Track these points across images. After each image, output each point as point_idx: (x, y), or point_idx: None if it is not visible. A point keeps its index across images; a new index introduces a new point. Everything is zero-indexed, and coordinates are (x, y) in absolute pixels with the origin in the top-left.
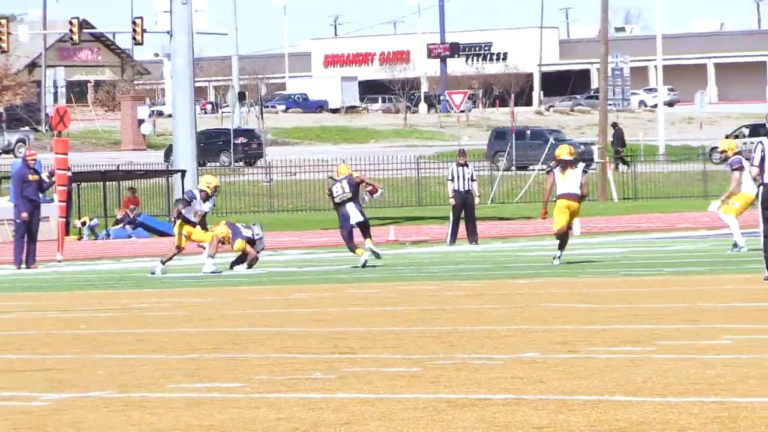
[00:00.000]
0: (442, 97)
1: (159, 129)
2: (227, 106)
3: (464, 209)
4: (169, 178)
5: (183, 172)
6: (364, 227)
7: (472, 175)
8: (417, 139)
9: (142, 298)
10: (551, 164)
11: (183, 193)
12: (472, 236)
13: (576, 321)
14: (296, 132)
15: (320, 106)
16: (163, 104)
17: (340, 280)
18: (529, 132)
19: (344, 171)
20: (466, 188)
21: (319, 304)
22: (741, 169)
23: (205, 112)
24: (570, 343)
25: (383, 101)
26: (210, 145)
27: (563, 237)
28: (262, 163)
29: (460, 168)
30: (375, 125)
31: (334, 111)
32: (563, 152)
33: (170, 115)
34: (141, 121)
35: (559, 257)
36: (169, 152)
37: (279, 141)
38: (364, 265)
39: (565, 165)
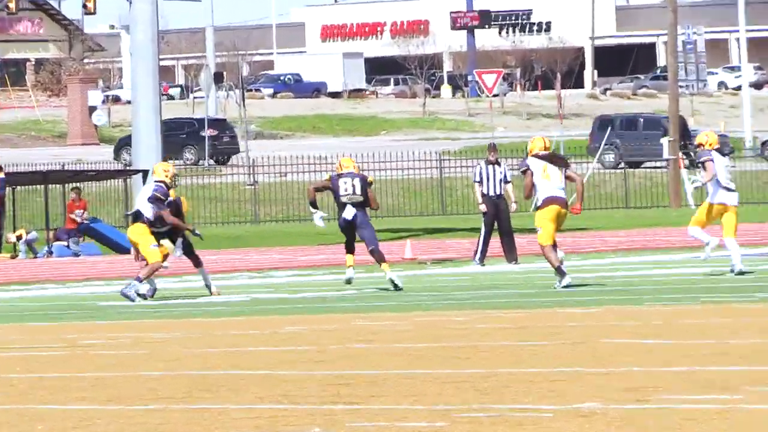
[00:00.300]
0: (470, 78)
1: (115, 118)
2: (200, 89)
3: (497, 219)
4: (128, 180)
5: (145, 173)
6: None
7: (505, 176)
8: (439, 130)
9: (94, 332)
10: (524, 162)
11: (149, 191)
12: (510, 254)
13: (645, 361)
14: (287, 122)
15: (317, 90)
16: (121, 87)
17: (343, 309)
18: (641, 120)
19: (349, 164)
20: (498, 192)
21: (317, 341)
22: (711, 161)
23: (169, 98)
24: (638, 390)
25: (396, 83)
26: (171, 138)
27: (552, 252)
28: (237, 160)
29: (491, 167)
30: (386, 113)
31: (335, 95)
32: (536, 146)
33: (129, 102)
34: (93, 109)
35: (560, 281)
36: (120, 147)
37: (265, 133)
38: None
39: (551, 160)
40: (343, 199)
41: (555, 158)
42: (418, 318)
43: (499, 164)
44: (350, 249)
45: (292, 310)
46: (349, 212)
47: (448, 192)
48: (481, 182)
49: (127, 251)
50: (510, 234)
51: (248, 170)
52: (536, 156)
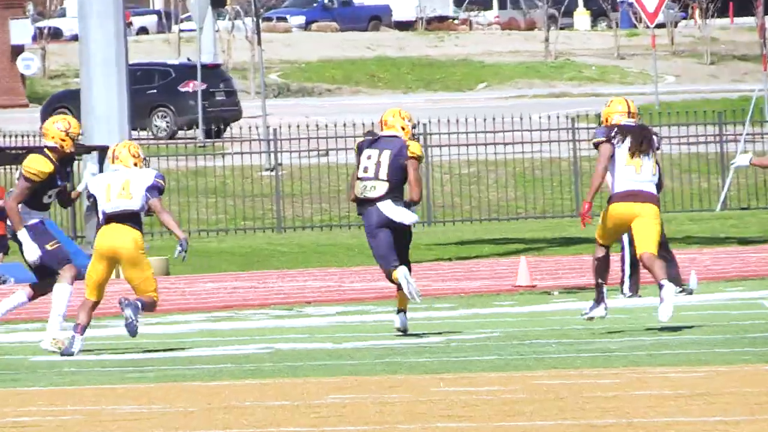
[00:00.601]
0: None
1: (54, 64)
2: (188, 18)
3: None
4: (76, 161)
5: (102, 151)
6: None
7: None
8: (571, 81)
9: (27, 404)
10: (601, 131)
11: (148, 178)
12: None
13: None
14: (328, 69)
15: (376, 18)
16: (62, 15)
17: (415, 366)
18: None
19: (394, 120)
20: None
21: (378, 418)
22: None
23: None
24: None
25: (501, 6)
26: (133, 96)
27: (601, 266)
28: (243, 130)
29: None
30: (486, 54)
31: (404, 26)
32: (616, 108)
33: (75, 38)
34: (18, 50)
35: (592, 310)
36: (52, 108)
37: (294, 88)
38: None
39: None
40: (358, 189)
41: (645, 136)
42: (534, 380)
43: None
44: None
45: (337, 368)
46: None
47: (586, 180)
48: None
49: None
50: (666, 246)
51: (267, 146)
52: (620, 127)
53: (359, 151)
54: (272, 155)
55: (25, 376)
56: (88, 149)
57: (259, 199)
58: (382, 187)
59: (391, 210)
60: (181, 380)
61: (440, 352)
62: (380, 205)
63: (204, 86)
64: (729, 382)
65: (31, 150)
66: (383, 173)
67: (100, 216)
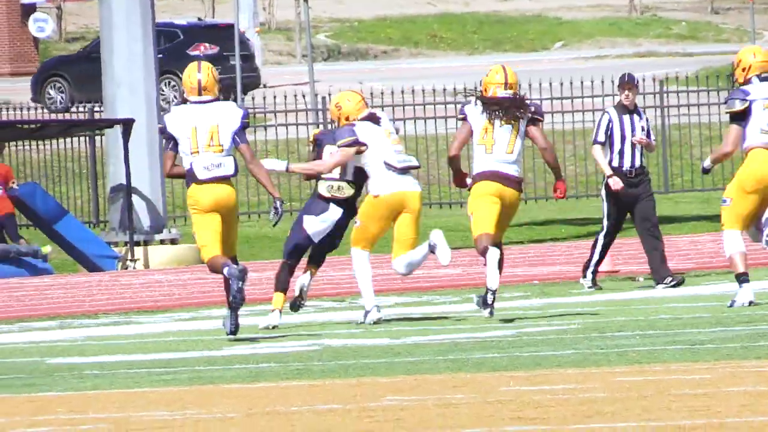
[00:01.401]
0: None
1: (72, 26)
2: None
3: (633, 207)
4: (99, 138)
5: (127, 124)
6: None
7: (648, 132)
8: (657, 39)
9: (43, 412)
10: (463, 109)
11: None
12: (659, 268)
13: None
14: (383, 28)
15: None
16: None
17: (482, 362)
18: None
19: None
20: (635, 164)
21: (441, 421)
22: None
23: None
24: None
25: None
26: None
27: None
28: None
29: (626, 118)
30: (562, 9)
31: None
32: (494, 78)
33: None
34: (30, 10)
35: (487, 305)
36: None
37: (345, 49)
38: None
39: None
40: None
41: (515, 105)
42: (615, 376)
43: (638, 113)
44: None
45: (395, 366)
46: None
47: (675, 151)
48: (604, 143)
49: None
50: (657, 232)
51: (315, 117)
52: (485, 100)
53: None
54: (321, 127)
55: (40, 381)
56: (111, 123)
57: (293, 177)
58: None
59: None
60: (218, 382)
61: (510, 347)
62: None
63: (213, 50)
64: None
65: (48, 124)
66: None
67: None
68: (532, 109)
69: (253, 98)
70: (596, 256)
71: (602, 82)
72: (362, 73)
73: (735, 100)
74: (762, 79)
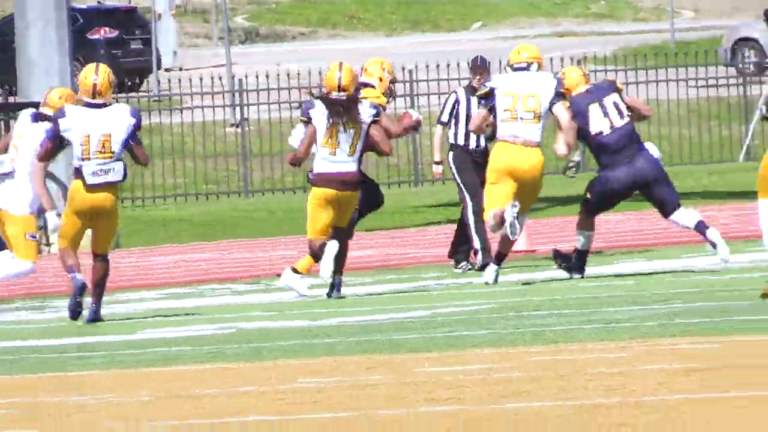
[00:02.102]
0: None
1: None
2: None
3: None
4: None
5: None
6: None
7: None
8: (575, 19)
9: None
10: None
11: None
12: (460, 249)
13: None
14: (301, 10)
15: None
16: None
17: (400, 343)
18: None
19: (374, 68)
20: (480, 144)
21: (351, 402)
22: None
23: None
24: None
25: None
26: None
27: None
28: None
29: (473, 99)
30: None
31: None
32: (330, 79)
33: None
34: None
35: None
36: None
37: (263, 32)
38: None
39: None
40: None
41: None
42: (531, 356)
43: (486, 96)
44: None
45: (310, 348)
46: None
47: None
48: (448, 123)
49: None
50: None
51: (231, 99)
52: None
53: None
54: (238, 109)
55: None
56: (24, 105)
57: (222, 159)
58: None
59: None
60: (133, 366)
61: (426, 328)
62: None
63: (112, 34)
64: (748, 353)
65: None
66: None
67: None
68: (374, 111)
69: (169, 81)
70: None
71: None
72: (280, 55)
73: None
74: None
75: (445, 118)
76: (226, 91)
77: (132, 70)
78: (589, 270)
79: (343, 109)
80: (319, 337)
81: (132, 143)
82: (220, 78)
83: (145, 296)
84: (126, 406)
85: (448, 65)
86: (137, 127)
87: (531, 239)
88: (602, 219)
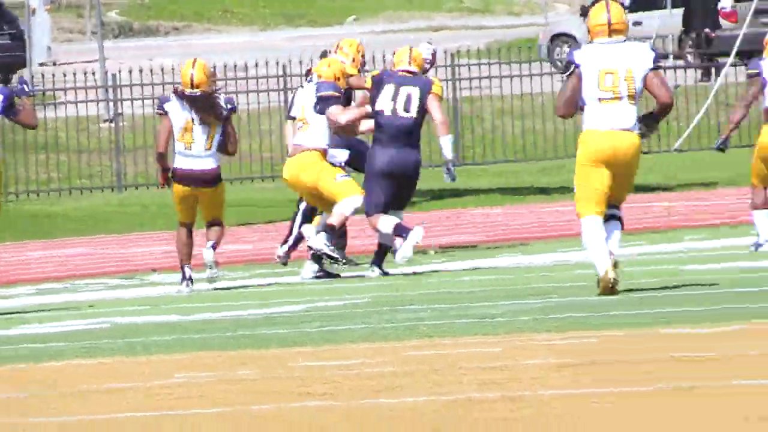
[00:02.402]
0: None
1: None
2: None
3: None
4: None
5: None
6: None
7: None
8: (449, 13)
9: None
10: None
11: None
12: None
13: None
14: (174, 5)
15: None
16: None
17: (267, 339)
18: None
19: (350, 51)
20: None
21: (224, 398)
22: None
23: None
24: None
25: None
26: None
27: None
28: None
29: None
30: None
31: None
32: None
33: None
34: None
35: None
36: None
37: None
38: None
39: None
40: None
41: (203, 105)
42: (405, 350)
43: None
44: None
45: (184, 343)
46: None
47: (467, 124)
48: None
49: None
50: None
51: (105, 94)
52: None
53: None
54: (111, 104)
55: None
56: None
57: (96, 154)
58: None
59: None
60: (8, 362)
61: (299, 322)
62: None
63: None
64: (621, 348)
65: None
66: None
67: None
68: (228, 107)
69: (42, 76)
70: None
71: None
72: (153, 50)
73: None
74: None
75: (293, 113)
76: (99, 86)
77: (1, 65)
78: (464, 264)
79: (196, 105)
80: (193, 332)
81: (12, 117)
82: (93, 73)
83: (19, 292)
84: (3, 403)
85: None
86: (6, 101)
87: None
88: (479, 213)
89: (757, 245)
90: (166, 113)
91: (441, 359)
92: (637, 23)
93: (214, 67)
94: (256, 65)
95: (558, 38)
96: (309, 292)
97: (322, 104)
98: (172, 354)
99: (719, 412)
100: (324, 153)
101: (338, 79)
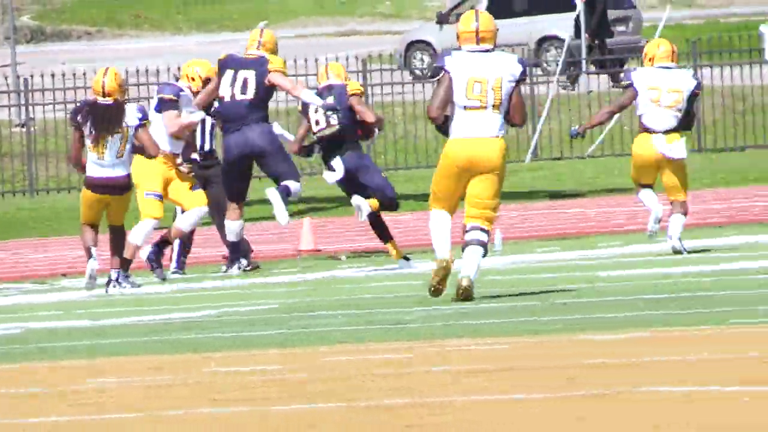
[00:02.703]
0: None
1: None
2: None
3: (205, 189)
4: None
5: None
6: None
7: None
8: (363, 18)
9: None
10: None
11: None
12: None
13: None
14: (86, 9)
15: None
16: None
17: (180, 344)
18: None
19: (338, 71)
20: (204, 147)
21: (137, 403)
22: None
23: None
24: None
25: None
26: None
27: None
28: None
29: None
30: None
31: None
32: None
33: None
34: None
35: None
36: None
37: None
38: None
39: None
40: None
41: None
42: (318, 356)
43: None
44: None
45: (96, 348)
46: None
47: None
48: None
49: None
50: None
51: (17, 99)
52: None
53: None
54: (23, 109)
55: None
56: None
57: (8, 158)
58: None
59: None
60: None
61: (212, 328)
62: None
63: None
64: (534, 354)
65: None
66: (334, 119)
67: None
68: (140, 115)
69: None
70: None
71: (305, 60)
72: (65, 55)
73: None
74: None
75: None
76: (11, 90)
77: None
78: (377, 269)
79: (108, 114)
80: (105, 337)
81: None
82: (6, 78)
83: None
84: None
85: None
86: None
87: (316, 238)
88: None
89: (656, 220)
90: (78, 125)
91: (353, 365)
92: None
93: (127, 74)
94: (168, 70)
95: (414, 45)
96: (222, 298)
97: (159, 105)
98: (86, 359)
99: (631, 420)
100: (170, 156)
101: (193, 79)
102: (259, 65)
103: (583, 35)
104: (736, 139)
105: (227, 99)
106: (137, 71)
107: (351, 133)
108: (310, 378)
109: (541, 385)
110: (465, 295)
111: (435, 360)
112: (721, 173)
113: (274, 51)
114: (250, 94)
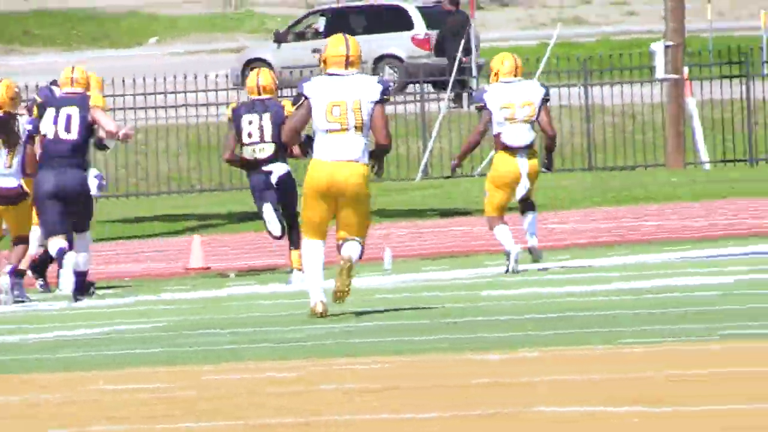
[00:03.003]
0: None
1: None
2: None
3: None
4: None
5: None
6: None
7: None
8: (253, 34)
9: None
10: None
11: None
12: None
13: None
14: None
15: None
16: None
17: (67, 362)
18: None
19: (268, 80)
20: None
21: (20, 423)
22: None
23: None
24: None
25: None
26: None
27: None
28: None
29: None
30: (158, 5)
31: None
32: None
33: None
34: None
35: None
36: None
37: None
38: None
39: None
40: (248, 152)
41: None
42: (204, 375)
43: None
44: None
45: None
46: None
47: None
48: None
49: None
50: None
51: None
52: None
53: (238, 109)
54: None
55: None
56: None
57: None
58: (270, 151)
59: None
60: None
61: (100, 345)
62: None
63: None
64: (422, 373)
65: None
66: (270, 134)
67: None
68: (30, 127)
69: None
70: None
71: (195, 77)
72: None
73: None
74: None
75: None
76: None
77: None
78: (265, 288)
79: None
80: None
81: None
82: None
83: None
84: None
85: (123, 81)
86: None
87: (206, 257)
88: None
89: (515, 259)
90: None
91: (240, 384)
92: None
93: (18, 89)
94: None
95: (252, 63)
96: (109, 315)
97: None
98: None
99: None
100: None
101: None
102: (81, 101)
103: (459, 57)
104: (626, 157)
105: (50, 137)
106: (26, 87)
107: (283, 150)
108: (195, 396)
109: (431, 404)
110: (348, 273)
111: (321, 379)
112: (611, 192)
113: (85, 86)
114: (74, 132)
